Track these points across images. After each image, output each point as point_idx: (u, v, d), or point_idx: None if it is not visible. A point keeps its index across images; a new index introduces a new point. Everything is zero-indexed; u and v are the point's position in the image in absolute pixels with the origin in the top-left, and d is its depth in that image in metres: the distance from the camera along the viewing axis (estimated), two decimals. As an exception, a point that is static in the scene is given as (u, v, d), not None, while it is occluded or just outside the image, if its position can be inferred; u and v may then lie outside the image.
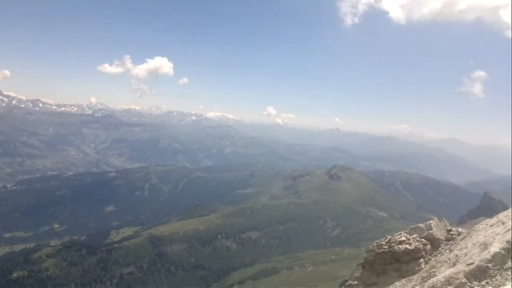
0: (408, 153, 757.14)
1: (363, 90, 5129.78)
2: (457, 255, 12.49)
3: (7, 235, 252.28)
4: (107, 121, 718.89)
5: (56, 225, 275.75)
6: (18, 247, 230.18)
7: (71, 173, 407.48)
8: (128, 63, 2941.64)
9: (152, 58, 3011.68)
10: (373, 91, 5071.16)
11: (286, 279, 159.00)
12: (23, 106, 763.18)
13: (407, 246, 15.39)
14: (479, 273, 10.14)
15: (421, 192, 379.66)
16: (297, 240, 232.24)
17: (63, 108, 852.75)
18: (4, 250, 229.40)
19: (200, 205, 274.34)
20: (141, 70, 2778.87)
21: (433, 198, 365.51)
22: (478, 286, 9.94)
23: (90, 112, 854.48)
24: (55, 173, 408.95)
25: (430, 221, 16.43)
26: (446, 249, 14.76)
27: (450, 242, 15.11)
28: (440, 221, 16.65)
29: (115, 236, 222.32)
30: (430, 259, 14.88)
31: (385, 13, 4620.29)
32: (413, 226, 16.83)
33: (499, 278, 9.80)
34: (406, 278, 14.48)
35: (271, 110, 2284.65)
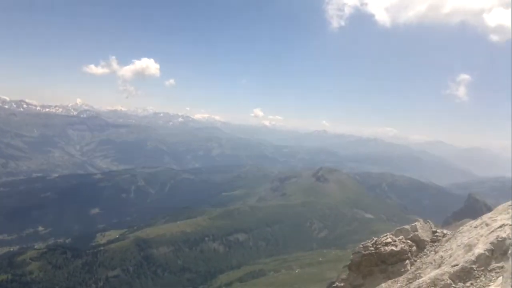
0: (394, 155, 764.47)
1: (350, 93, 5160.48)
2: (442, 257, 12.61)
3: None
4: (92, 122, 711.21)
5: (40, 228, 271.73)
6: (1, 250, 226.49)
7: (56, 175, 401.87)
8: (114, 64, 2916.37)
9: (138, 59, 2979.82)
10: (360, 93, 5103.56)
11: (273, 281, 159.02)
12: (6, 107, 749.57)
13: (393, 247, 15.49)
14: (464, 274, 10.25)
15: (407, 194, 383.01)
16: (284, 242, 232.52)
17: (47, 109, 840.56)
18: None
19: (187, 207, 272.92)
20: (127, 71, 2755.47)
21: (419, 199, 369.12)
22: (463, 287, 10.05)
23: (75, 113, 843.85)
24: (39, 175, 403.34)
25: (416, 223, 16.56)
26: (431, 251, 14.90)
27: (435, 244, 15.25)
28: (426, 223, 16.80)
29: (100, 239, 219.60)
30: (415, 261, 14.99)
31: (371, 16, 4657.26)
32: (399, 228, 16.94)
33: (483, 279, 9.92)
34: (392, 280, 14.56)
35: (258, 112, 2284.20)
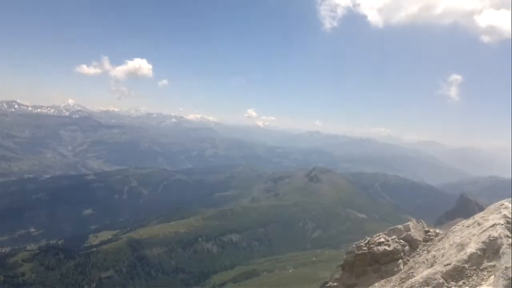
0: (387, 155, 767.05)
1: (343, 93, 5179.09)
2: (434, 256, 12.67)
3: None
4: (85, 123, 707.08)
5: (32, 229, 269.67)
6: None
7: (48, 176, 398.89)
8: (107, 64, 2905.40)
9: (131, 59, 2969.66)
10: (352, 94, 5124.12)
11: (266, 282, 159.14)
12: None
13: (386, 247, 15.55)
14: (456, 273, 10.30)
15: (400, 194, 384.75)
16: (277, 242, 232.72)
17: (39, 110, 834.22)
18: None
19: (180, 207, 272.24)
20: (119, 71, 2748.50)
21: (411, 199, 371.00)
22: (455, 286, 10.10)
23: (67, 113, 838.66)
24: (31, 176, 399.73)
25: (408, 223, 16.63)
26: (424, 250, 14.97)
27: (428, 243, 15.32)
28: (418, 222, 16.88)
29: (93, 239, 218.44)
30: (408, 260, 15.06)
31: (363, 17, 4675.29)
32: (391, 228, 17.00)
33: (476, 278, 9.98)
34: (385, 279, 14.61)
35: (251, 112, 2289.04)
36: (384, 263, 15.49)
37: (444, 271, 10.48)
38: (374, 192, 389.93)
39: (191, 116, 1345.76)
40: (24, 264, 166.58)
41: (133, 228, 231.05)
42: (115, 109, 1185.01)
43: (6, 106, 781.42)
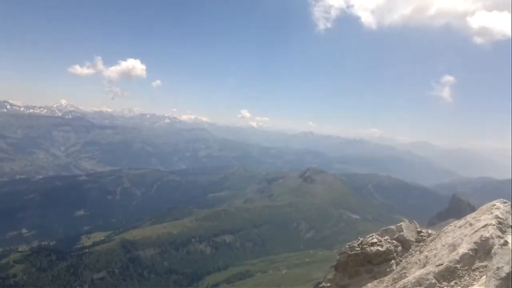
0: (380, 156, 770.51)
1: (336, 94, 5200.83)
2: (427, 256, 12.72)
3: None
4: (77, 123, 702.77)
5: (24, 230, 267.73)
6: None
7: (40, 176, 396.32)
8: (100, 65, 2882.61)
9: (124, 59, 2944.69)
10: (346, 95, 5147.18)
11: (260, 282, 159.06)
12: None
13: (379, 248, 15.59)
14: (448, 273, 10.35)
15: (392, 194, 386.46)
16: (271, 243, 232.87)
17: (32, 110, 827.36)
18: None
19: (173, 208, 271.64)
20: (113, 71, 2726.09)
21: (404, 200, 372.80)
22: (447, 286, 10.14)
23: (60, 114, 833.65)
24: (23, 176, 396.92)
25: (401, 223, 16.69)
26: (416, 251, 15.02)
27: (420, 244, 15.38)
28: (411, 223, 16.94)
29: (85, 241, 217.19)
30: (401, 261, 15.10)
31: (357, 18, 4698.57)
32: (384, 228, 17.05)
33: (467, 278, 10.03)
34: (378, 280, 14.65)
35: (245, 113, 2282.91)
36: (377, 263, 15.53)
37: (436, 271, 10.52)
38: (367, 192, 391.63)
39: (184, 117, 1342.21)
40: (15, 265, 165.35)
41: (126, 229, 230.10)
42: (108, 110, 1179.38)
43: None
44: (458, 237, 11.81)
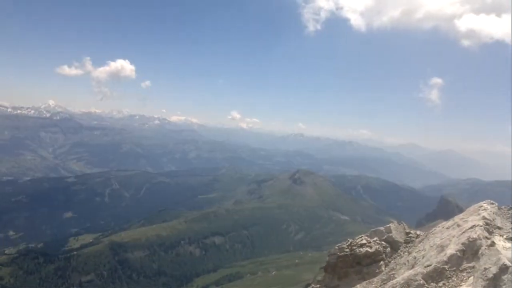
0: (369, 157, 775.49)
1: (326, 96, 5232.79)
2: (415, 257, 12.78)
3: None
4: (66, 124, 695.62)
5: (11, 233, 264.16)
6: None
7: (28, 178, 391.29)
8: (88, 65, 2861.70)
9: (113, 60, 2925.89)
10: (336, 96, 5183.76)
11: (249, 284, 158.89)
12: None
13: (368, 249, 15.64)
14: (436, 274, 10.41)
15: (381, 196, 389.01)
16: (261, 244, 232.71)
17: (19, 111, 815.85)
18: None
19: (163, 210, 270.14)
20: (101, 72, 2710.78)
21: (393, 201, 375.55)
22: (435, 287, 10.20)
23: (48, 115, 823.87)
24: (10, 178, 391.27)
25: (390, 224, 16.78)
26: (405, 252, 15.10)
27: (409, 245, 15.47)
28: (399, 224, 17.03)
29: (73, 243, 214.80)
30: (390, 262, 15.17)
31: (346, 20, 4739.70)
32: (373, 229, 17.13)
33: (455, 279, 10.10)
34: (366, 281, 14.69)
35: (235, 114, 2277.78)
36: (366, 264, 15.58)
37: (425, 272, 10.58)
38: (357, 194, 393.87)
39: (174, 118, 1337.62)
40: (2, 268, 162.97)
41: (114, 231, 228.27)
42: (97, 111, 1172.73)
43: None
44: (446, 238, 11.89)
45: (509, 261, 8.74)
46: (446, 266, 10.42)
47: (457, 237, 11.30)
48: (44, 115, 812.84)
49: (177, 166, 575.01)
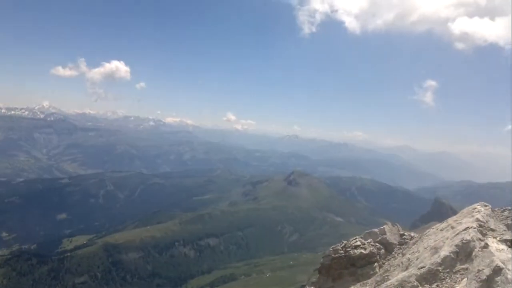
0: (363, 159, 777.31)
1: (321, 98, 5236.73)
2: (409, 259, 12.81)
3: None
4: (60, 125, 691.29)
5: (4, 234, 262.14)
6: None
7: (21, 179, 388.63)
8: (83, 66, 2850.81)
9: (108, 61, 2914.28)
10: (331, 98, 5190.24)
11: (244, 286, 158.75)
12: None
13: (362, 250, 15.66)
14: (430, 276, 10.44)
15: (376, 198, 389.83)
16: (255, 246, 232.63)
17: (13, 112, 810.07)
18: None
19: (157, 212, 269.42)
20: (96, 73, 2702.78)
21: (387, 203, 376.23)
22: (429, 289, 10.23)
23: (42, 116, 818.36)
24: (3, 179, 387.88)
25: (384, 226, 16.82)
26: (399, 253, 15.14)
27: (403, 246, 15.50)
28: (394, 226, 17.08)
29: (67, 244, 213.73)
30: (384, 263, 15.19)
31: (341, 23, 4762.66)
32: (367, 231, 17.16)
33: (449, 281, 10.13)
34: (361, 282, 14.72)
35: (230, 116, 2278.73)
36: (360, 266, 15.60)
37: (418, 274, 10.61)
38: (351, 195, 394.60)
39: (169, 119, 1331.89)
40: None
41: (108, 233, 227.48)
42: (92, 112, 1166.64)
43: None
44: (440, 240, 11.93)
45: (502, 263, 8.77)
46: (439, 268, 10.46)
47: (450, 239, 11.34)
48: (38, 116, 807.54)
49: (172, 167, 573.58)
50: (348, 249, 16.17)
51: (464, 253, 10.48)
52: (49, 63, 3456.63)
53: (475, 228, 11.23)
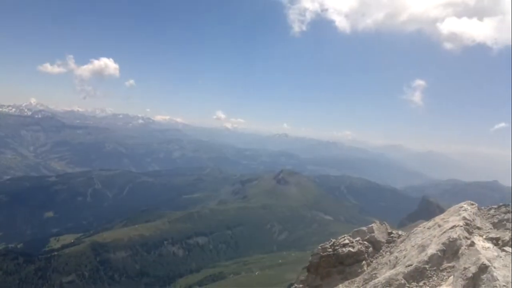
0: (353, 158, 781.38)
1: (311, 97, 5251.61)
2: (397, 257, 12.90)
3: None
4: (47, 123, 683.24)
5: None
6: None
7: (8, 177, 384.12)
8: (71, 63, 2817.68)
9: (96, 58, 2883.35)
10: (320, 97, 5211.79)
11: (233, 284, 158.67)
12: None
13: (350, 249, 15.73)
14: (417, 274, 10.52)
15: (364, 196, 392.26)
16: (244, 244, 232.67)
17: (0, 109, 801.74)
18: None
19: (146, 210, 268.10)
20: (85, 70, 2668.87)
21: (375, 201, 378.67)
22: (416, 286, 10.31)
23: (29, 113, 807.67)
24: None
25: (372, 224, 16.91)
26: (387, 251, 15.23)
27: (390, 245, 15.60)
28: (382, 224, 17.18)
29: (54, 243, 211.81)
30: (372, 261, 15.28)
31: (331, 22, 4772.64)
32: (356, 229, 17.24)
33: (436, 278, 10.22)
34: (349, 280, 14.78)
35: (220, 114, 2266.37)
36: (348, 264, 15.67)
37: (406, 272, 10.68)
38: (340, 194, 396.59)
39: (158, 117, 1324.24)
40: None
41: (96, 232, 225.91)
42: (80, 109, 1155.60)
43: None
44: (427, 238, 12.02)
45: (488, 261, 8.85)
46: (427, 266, 10.54)
47: (437, 237, 11.43)
48: (26, 113, 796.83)
49: (161, 165, 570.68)
50: (337, 248, 16.23)
51: (450, 251, 10.58)
52: (37, 60, 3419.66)
53: (461, 226, 11.34)
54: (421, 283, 10.31)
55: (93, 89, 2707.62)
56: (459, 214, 12.30)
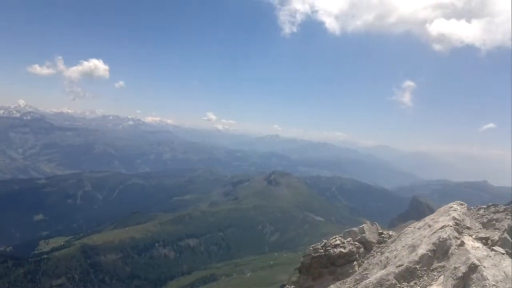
0: (343, 159, 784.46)
1: (301, 98, 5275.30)
2: (388, 257, 12.97)
3: None
4: (36, 125, 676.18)
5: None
6: None
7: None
8: (61, 64, 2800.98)
9: (86, 59, 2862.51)
10: (311, 98, 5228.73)
11: (225, 286, 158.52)
12: None
13: (342, 249, 15.77)
14: (408, 274, 10.58)
15: (355, 197, 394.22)
16: (236, 246, 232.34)
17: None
18: None
19: (136, 212, 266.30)
20: (74, 72, 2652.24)
21: (366, 202, 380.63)
22: (407, 286, 10.37)
23: (18, 115, 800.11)
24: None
25: (363, 225, 16.98)
26: (378, 252, 15.30)
27: (381, 245, 15.68)
28: (373, 225, 17.25)
29: (44, 246, 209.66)
30: (363, 262, 15.34)
31: (321, 23, 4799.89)
32: (347, 230, 17.30)
33: (426, 278, 10.29)
34: (340, 281, 14.82)
35: (211, 115, 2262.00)
36: (339, 265, 15.70)
37: (397, 272, 10.74)
38: (331, 195, 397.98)
39: (149, 119, 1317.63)
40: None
41: (86, 234, 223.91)
42: (69, 111, 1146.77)
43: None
44: (417, 238, 12.11)
45: (478, 260, 8.94)
46: (417, 266, 10.62)
47: (428, 237, 11.52)
48: (14, 115, 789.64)
49: (151, 167, 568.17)
50: (328, 248, 16.27)
51: (441, 251, 10.67)
52: (25, 61, 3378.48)
53: (451, 226, 11.44)
54: (411, 283, 10.38)
55: (83, 90, 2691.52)
56: (449, 214, 12.40)
